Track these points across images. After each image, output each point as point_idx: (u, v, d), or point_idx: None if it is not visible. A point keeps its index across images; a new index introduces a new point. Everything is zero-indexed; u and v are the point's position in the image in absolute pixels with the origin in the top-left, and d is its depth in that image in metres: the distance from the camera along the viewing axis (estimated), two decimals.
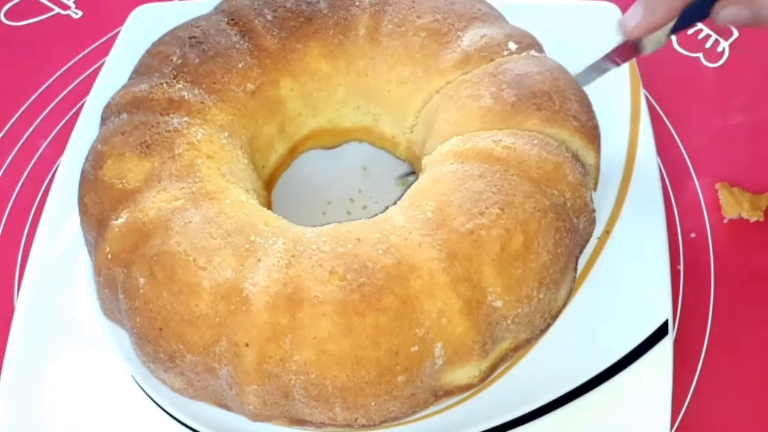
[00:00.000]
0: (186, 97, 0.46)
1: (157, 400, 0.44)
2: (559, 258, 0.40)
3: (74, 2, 0.71)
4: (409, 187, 0.43)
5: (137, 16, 0.62)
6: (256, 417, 0.40)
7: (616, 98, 0.53)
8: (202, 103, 0.46)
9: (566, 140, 0.43)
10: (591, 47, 0.47)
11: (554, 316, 0.42)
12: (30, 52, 0.68)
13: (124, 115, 0.45)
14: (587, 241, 0.45)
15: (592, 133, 0.44)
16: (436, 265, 0.37)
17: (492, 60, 0.46)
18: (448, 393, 0.40)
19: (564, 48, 0.48)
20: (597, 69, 0.48)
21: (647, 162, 0.50)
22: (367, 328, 0.36)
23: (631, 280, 0.46)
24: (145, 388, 0.45)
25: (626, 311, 0.45)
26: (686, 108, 0.58)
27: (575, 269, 0.43)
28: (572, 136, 0.43)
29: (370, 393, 0.37)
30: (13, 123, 0.63)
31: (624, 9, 0.58)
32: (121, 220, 0.41)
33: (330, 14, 0.49)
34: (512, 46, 0.46)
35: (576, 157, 0.43)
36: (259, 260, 0.38)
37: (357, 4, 0.50)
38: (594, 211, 0.43)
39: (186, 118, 0.45)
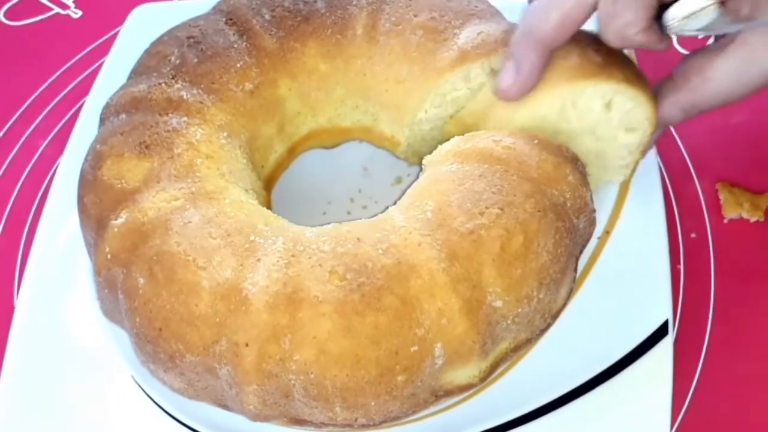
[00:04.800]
0: (184, 97, 0.46)
1: (157, 400, 0.44)
2: (559, 258, 0.40)
3: (74, 2, 0.71)
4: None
5: (137, 15, 0.62)
6: (256, 417, 0.40)
7: None
8: (201, 102, 0.46)
9: (639, 105, 0.43)
10: None
11: (554, 316, 0.42)
12: (29, 52, 0.68)
13: (123, 116, 0.45)
14: (587, 241, 0.44)
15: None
16: (436, 265, 0.37)
17: (488, 57, 0.46)
18: (448, 393, 0.40)
19: None
20: None
21: (647, 162, 0.50)
22: (366, 328, 0.36)
23: (631, 280, 0.46)
24: (145, 388, 0.45)
25: (626, 311, 0.45)
26: None
27: (575, 269, 0.43)
28: (647, 102, 0.43)
29: (369, 393, 0.37)
30: (12, 123, 0.63)
31: None
32: (120, 221, 0.41)
33: (328, 13, 0.49)
34: None
35: (576, 158, 0.43)
36: (258, 260, 0.38)
37: (354, 3, 0.50)
38: (594, 211, 0.43)
39: (185, 118, 0.45)
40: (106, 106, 0.47)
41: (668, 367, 0.43)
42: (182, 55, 0.47)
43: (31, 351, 0.47)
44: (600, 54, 0.43)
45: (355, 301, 0.36)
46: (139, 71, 0.48)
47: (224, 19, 0.49)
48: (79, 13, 0.71)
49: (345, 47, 0.49)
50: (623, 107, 0.44)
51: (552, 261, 0.39)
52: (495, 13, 0.49)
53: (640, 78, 0.44)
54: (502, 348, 0.41)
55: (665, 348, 0.44)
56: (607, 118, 0.44)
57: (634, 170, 0.48)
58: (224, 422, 0.43)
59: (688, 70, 0.43)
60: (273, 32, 0.49)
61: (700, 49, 0.43)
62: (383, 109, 0.51)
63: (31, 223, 0.56)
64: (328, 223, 0.41)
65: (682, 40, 0.62)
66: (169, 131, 0.44)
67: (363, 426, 0.39)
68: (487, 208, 0.39)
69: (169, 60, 0.47)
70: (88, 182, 0.43)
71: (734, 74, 0.41)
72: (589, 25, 0.43)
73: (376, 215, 0.41)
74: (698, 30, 0.39)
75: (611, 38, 0.41)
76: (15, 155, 0.61)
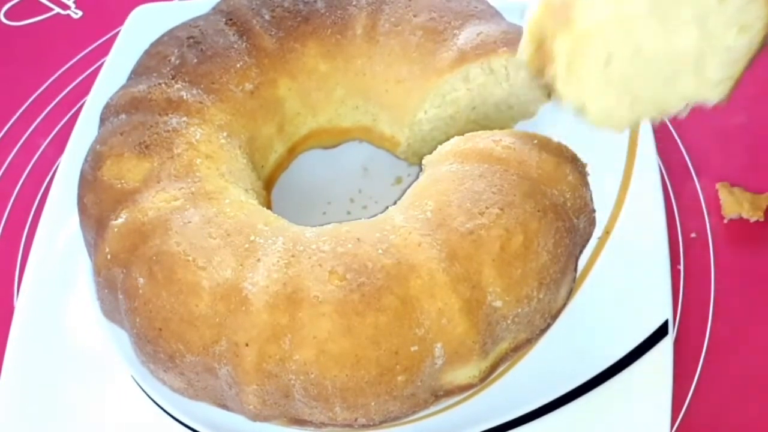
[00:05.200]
0: (184, 97, 0.46)
1: (157, 401, 0.44)
2: (559, 258, 0.39)
3: (74, 2, 0.71)
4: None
5: (137, 16, 0.62)
6: (255, 417, 0.40)
7: None
8: (201, 103, 0.46)
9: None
10: None
11: (554, 316, 0.42)
12: (30, 52, 0.68)
13: (123, 116, 0.45)
14: (587, 241, 0.44)
15: None
16: (436, 264, 0.37)
17: (487, 57, 0.46)
18: (448, 393, 0.40)
19: None
20: None
21: (647, 162, 0.50)
22: (366, 328, 0.36)
23: (631, 280, 0.46)
24: (145, 389, 0.45)
25: (626, 311, 0.45)
26: None
27: (575, 269, 0.43)
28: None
29: (369, 393, 0.37)
30: (13, 123, 0.63)
31: None
32: (120, 221, 0.41)
33: (327, 14, 0.49)
34: None
35: (576, 158, 0.43)
36: (258, 260, 0.38)
37: (354, 3, 0.50)
38: (594, 211, 0.43)
39: (185, 118, 0.45)
40: (106, 107, 0.47)
41: (668, 367, 0.43)
42: (182, 55, 0.47)
43: (31, 351, 0.47)
44: None
45: (355, 301, 0.36)
46: (139, 71, 0.48)
47: (224, 20, 0.49)
48: (80, 13, 0.71)
49: (345, 47, 0.49)
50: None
51: (552, 261, 0.39)
52: (495, 14, 0.49)
53: None
54: (502, 348, 0.41)
55: (665, 348, 0.44)
56: (719, 9, 0.38)
57: (732, 89, 0.41)
58: (224, 422, 0.43)
59: None
60: (273, 32, 0.49)
61: None
62: (383, 109, 0.51)
63: (31, 223, 0.56)
64: (328, 223, 0.41)
65: None
66: (168, 131, 0.44)
67: (363, 426, 0.39)
68: (487, 208, 0.39)
69: (169, 60, 0.47)
70: (88, 182, 0.43)
71: None
72: None
73: (376, 215, 0.41)
74: None
75: None
76: (15, 155, 0.61)
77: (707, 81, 0.41)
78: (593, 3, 0.39)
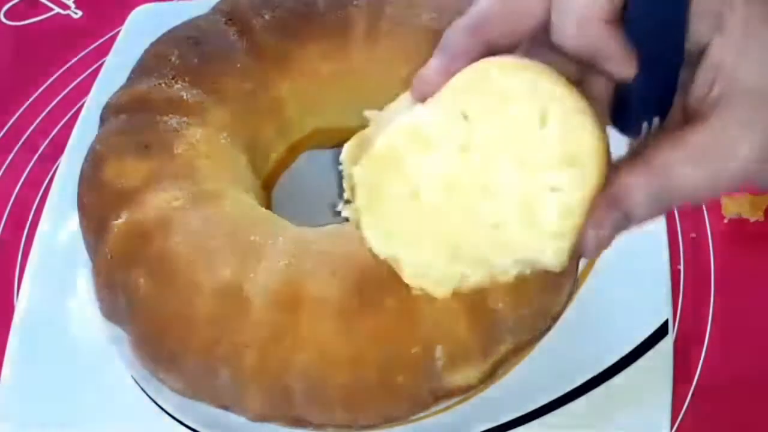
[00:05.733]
0: (185, 97, 0.46)
1: (157, 401, 0.44)
2: None
3: (74, 2, 0.71)
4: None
5: (137, 16, 0.62)
6: (256, 418, 0.40)
7: None
8: (201, 103, 0.46)
9: (585, 127, 0.28)
10: None
11: (554, 318, 0.42)
12: (30, 52, 0.68)
13: (123, 116, 0.45)
14: None
15: None
16: None
17: None
18: (449, 394, 0.40)
19: None
20: None
21: None
22: (367, 329, 0.36)
23: (631, 281, 0.46)
24: (145, 389, 0.45)
25: (626, 311, 0.45)
26: None
27: (575, 270, 0.43)
28: (597, 129, 0.29)
29: (370, 394, 0.37)
30: (12, 123, 0.63)
31: None
32: (120, 221, 0.41)
33: (327, 14, 0.49)
34: None
35: None
36: (259, 260, 0.38)
37: (354, 3, 0.50)
38: None
39: (185, 119, 0.45)
40: (107, 107, 0.47)
41: (668, 367, 0.43)
42: (182, 55, 0.47)
43: (31, 351, 0.47)
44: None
45: (355, 303, 0.36)
46: (139, 71, 0.48)
47: (224, 20, 0.49)
48: (80, 13, 0.70)
49: (345, 48, 0.49)
50: (564, 124, 0.28)
51: None
52: None
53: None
54: (503, 349, 0.41)
55: (665, 348, 0.44)
56: (539, 133, 0.28)
57: (572, 250, 0.30)
58: (224, 422, 0.43)
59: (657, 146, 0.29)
60: (273, 33, 0.49)
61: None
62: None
63: (31, 223, 0.56)
64: (329, 224, 0.41)
65: None
66: (169, 131, 0.44)
67: (363, 427, 0.39)
68: None
69: (169, 60, 0.47)
70: (89, 183, 0.43)
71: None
72: None
73: None
74: None
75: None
76: (15, 155, 0.61)
77: (540, 232, 0.30)
78: (396, 125, 0.31)
